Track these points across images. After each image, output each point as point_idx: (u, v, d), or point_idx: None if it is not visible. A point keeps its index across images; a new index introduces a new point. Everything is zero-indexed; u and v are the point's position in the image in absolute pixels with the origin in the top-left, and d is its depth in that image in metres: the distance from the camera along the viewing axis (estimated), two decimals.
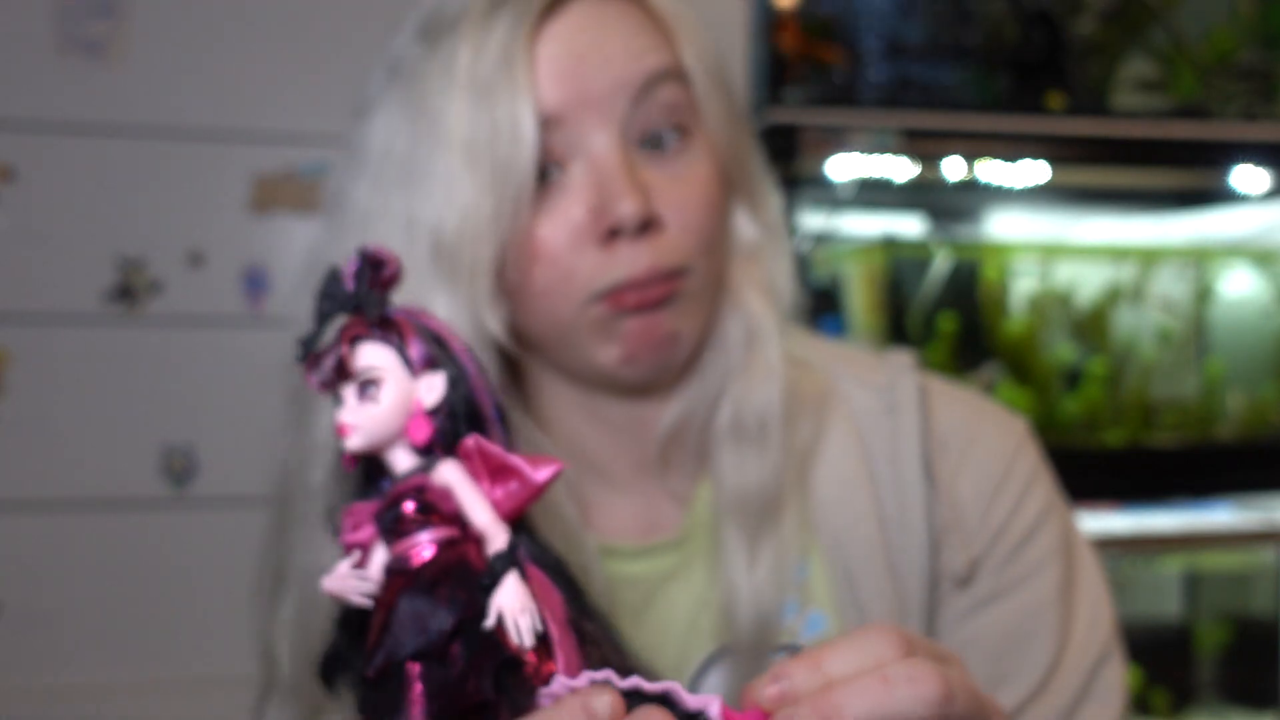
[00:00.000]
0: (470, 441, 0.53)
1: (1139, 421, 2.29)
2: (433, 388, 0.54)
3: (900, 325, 2.24)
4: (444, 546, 0.52)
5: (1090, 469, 2.20)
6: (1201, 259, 2.46)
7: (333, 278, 0.56)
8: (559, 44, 0.74)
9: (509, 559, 0.50)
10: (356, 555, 0.55)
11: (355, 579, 0.54)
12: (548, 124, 0.73)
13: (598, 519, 0.84)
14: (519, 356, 0.82)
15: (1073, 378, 2.32)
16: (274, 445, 0.82)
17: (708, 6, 0.81)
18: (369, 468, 0.57)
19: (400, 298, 0.76)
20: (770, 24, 2.11)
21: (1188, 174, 2.41)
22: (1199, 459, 2.30)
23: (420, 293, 0.72)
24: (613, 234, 0.73)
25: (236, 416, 1.74)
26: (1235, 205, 2.50)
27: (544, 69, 0.73)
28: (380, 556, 0.54)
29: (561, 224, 0.74)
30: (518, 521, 0.55)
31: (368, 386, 0.53)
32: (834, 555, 0.81)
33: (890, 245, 2.20)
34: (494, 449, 0.53)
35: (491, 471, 0.53)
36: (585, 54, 0.74)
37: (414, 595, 0.51)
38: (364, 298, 0.55)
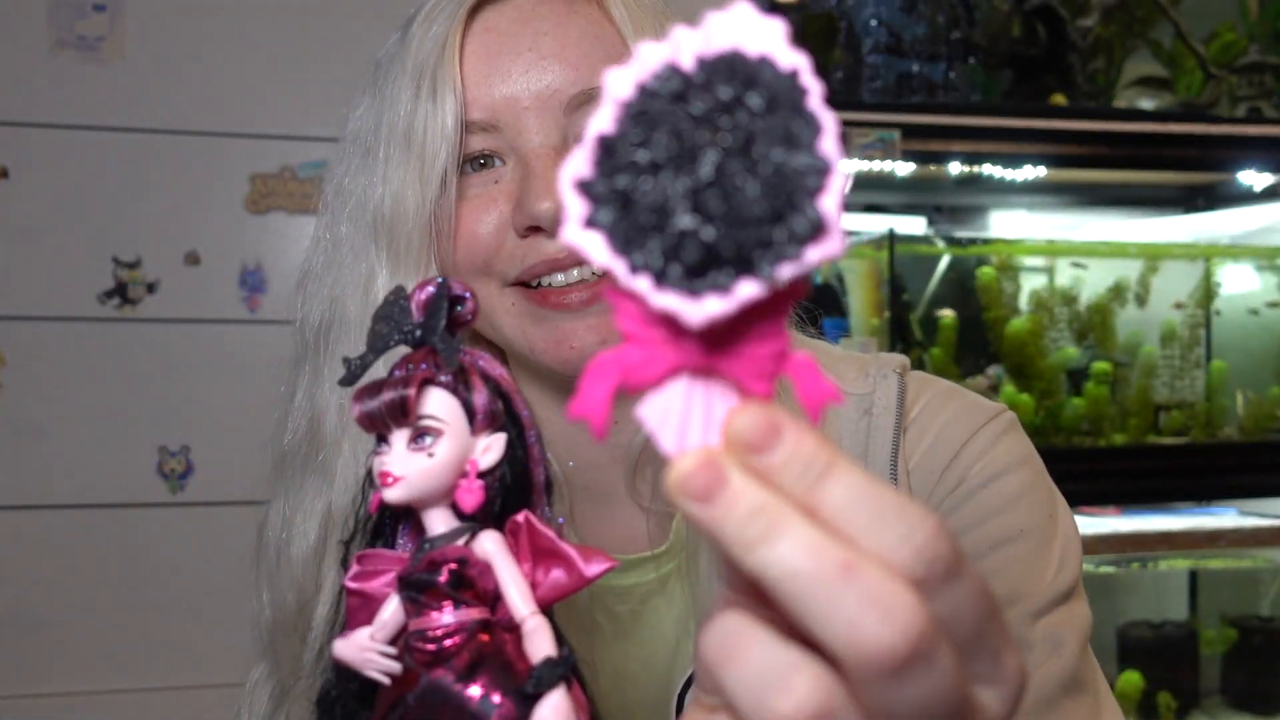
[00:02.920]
0: (521, 518, 0.48)
1: (1144, 423, 2.28)
2: (490, 449, 0.48)
3: (902, 325, 2.22)
4: (475, 629, 0.46)
5: (1094, 471, 2.19)
6: (1208, 255, 2.44)
7: (398, 302, 0.49)
8: (488, 39, 0.75)
9: (561, 671, 0.44)
10: (374, 627, 0.49)
11: (378, 654, 0.48)
12: (482, 127, 0.75)
13: (584, 529, 0.83)
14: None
15: (1074, 377, 2.31)
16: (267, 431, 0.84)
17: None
18: (390, 512, 0.51)
19: (352, 274, 0.76)
20: None
21: (1193, 172, 2.39)
22: (1204, 461, 2.28)
23: (366, 267, 0.76)
24: (532, 230, 0.74)
25: (233, 417, 1.73)
26: (1241, 204, 2.48)
27: (473, 66, 0.75)
28: (392, 617, 0.48)
29: (487, 215, 0.76)
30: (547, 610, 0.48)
31: (422, 436, 0.47)
32: None
33: (892, 244, 2.18)
34: (546, 531, 0.48)
35: (535, 553, 0.48)
36: (518, 53, 0.74)
37: (442, 682, 0.45)
38: (440, 338, 0.48)
